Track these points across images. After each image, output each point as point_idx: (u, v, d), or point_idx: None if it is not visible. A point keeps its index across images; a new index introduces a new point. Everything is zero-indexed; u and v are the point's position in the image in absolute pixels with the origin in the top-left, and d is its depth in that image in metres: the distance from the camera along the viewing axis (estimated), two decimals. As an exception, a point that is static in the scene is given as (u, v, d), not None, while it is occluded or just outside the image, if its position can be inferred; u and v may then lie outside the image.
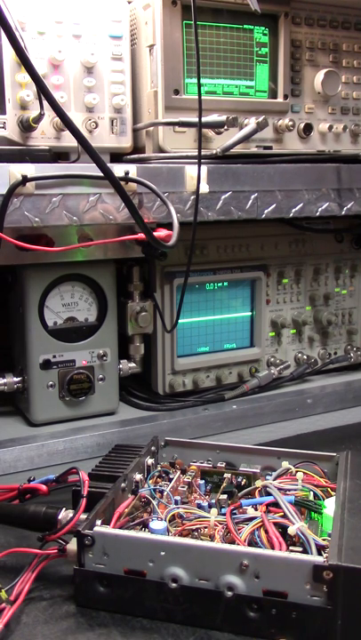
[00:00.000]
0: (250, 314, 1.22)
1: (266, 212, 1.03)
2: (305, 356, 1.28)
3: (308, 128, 1.10)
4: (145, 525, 0.72)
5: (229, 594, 0.63)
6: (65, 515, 0.72)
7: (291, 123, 1.07)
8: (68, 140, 0.93)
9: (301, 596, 0.61)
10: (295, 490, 0.77)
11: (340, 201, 1.09)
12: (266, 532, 0.67)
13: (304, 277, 1.27)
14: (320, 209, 1.08)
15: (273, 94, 1.08)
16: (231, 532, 0.68)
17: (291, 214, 1.06)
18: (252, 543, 0.67)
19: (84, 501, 0.71)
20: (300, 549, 0.66)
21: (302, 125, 1.10)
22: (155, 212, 0.95)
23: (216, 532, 0.70)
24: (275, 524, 0.68)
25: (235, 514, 0.72)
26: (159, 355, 1.14)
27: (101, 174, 0.85)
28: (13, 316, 1.08)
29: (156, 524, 0.70)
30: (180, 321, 1.09)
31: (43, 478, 0.83)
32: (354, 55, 1.14)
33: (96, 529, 0.67)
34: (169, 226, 0.94)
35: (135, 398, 1.16)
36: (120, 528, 0.70)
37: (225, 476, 0.83)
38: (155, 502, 0.75)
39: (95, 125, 0.97)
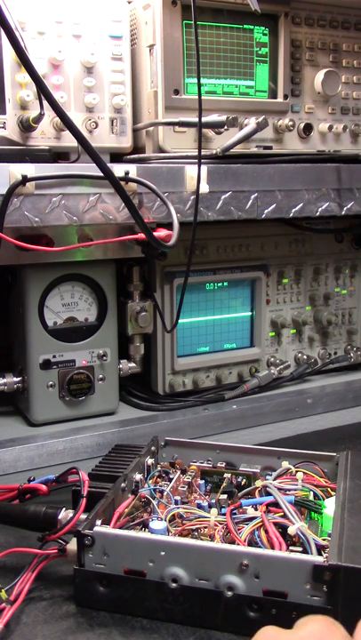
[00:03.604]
0: (250, 314, 1.22)
1: (266, 211, 1.03)
2: (305, 356, 1.28)
3: (308, 128, 1.10)
4: (145, 525, 0.72)
5: (229, 594, 0.63)
6: (65, 515, 0.72)
7: (291, 123, 1.07)
8: (68, 140, 0.93)
9: (301, 596, 0.61)
10: (295, 490, 0.77)
11: (340, 201, 1.09)
12: (266, 532, 0.67)
13: (304, 277, 1.27)
14: (320, 209, 1.08)
15: (273, 94, 1.08)
16: (231, 532, 0.68)
17: (291, 214, 1.06)
18: (252, 543, 0.67)
19: (83, 501, 0.71)
20: (300, 549, 0.66)
21: (302, 125, 1.10)
22: (155, 212, 0.95)
23: (216, 532, 0.70)
24: (275, 523, 0.68)
25: (235, 514, 0.72)
26: (159, 355, 1.14)
27: (101, 174, 0.85)
28: (13, 316, 1.08)
29: (156, 524, 0.70)
30: (180, 321, 1.09)
31: (43, 478, 0.83)
32: (354, 55, 1.14)
33: (96, 529, 0.67)
34: (169, 226, 0.94)
35: (135, 398, 1.16)
36: (120, 528, 0.70)
37: (225, 476, 0.83)
38: (155, 502, 0.75)
39: (95, 125, 0.97)
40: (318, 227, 1.25)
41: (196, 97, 0.90)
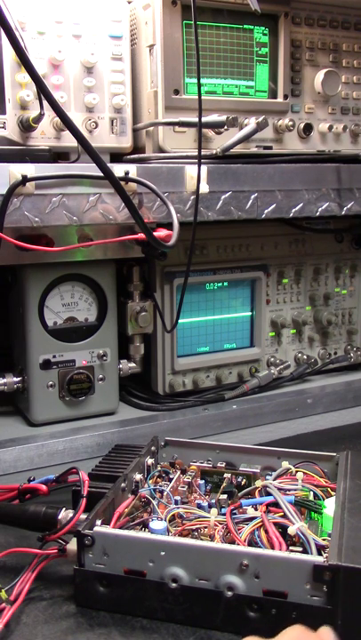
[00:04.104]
0: (250, 314, 1.22)
1: (266, 211, 1.03)
2: (305, 356, 1.28)
3: (308, 128, 1.10)
4: (145, 525, 0.72)
5: (229, 594, 0.63)
6: (65, 515, 0.72)
7: (291, 123, 1.07)
8: (68, 140, 0.93)
9: (301, 596, 0.61)
10: (295, 490, 0.77)
11: (340, 201, 1.09)
12: (266, 532, 0.67)
13: (304, 277, 1.27)
14: (320, 209, 1.08)
15: (273, 94, 1.08)
16: (231, 532, 0.68)
17: (291, 214, 1.06)
18: (252, 543, 0.67)
19: (83, 501, 0.71)
20: (300, 549, 0.66)
21: (302, 125, 1.10)
22: (155, 212, 0.95)
23: (216, 532, 0.70)
24: (275, 523, 0.68)
25: (235, 514, 0.72)
26: (159, 355, 1.14)
27: (101, 174, 0.85)
28: (13, 316, 1.08)
29: (156, 524, 0.70)
30: (180, 321, 1.09)
31: (43, 478, 0.83)
32: (354, 55, 1.14)
33: (96, 529, 0.67)
34: (169, 226, 0.94)
35: (135, 398, 1.16)
36: (120, 528, 0.70)
37: (225, 476, 0.83)
38: (155, 502, 0.75)
39: (95, 125, 0.97)
40: (318, 227, 1.25)
41: (196, 97, 0.90)
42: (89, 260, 1.02)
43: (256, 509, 0.73)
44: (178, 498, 0.78)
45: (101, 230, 0.98)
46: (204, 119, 0.95)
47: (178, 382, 1.15)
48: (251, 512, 0.72)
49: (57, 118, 0.91)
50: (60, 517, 0.72)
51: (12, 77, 0.90)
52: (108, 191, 0.90)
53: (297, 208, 1.06)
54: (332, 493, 0.77)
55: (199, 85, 0.89)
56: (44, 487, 0.81)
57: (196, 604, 0.64)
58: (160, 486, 0.80)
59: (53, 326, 1.03)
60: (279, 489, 0.75)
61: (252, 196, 1.02)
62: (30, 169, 0.85)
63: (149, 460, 0.85)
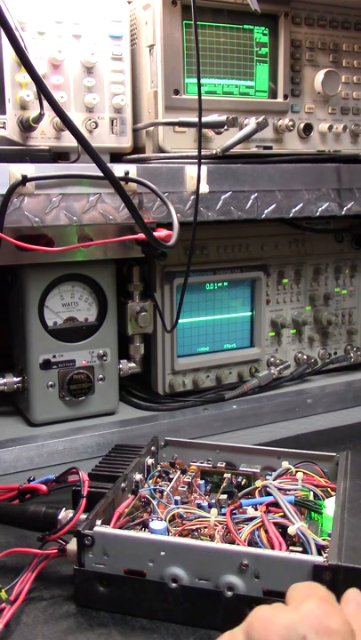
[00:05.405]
0: (250, 314, 1.22)
1: (266, 211, 1.03)
2: (305, 356, 1.28)
3: (308, 128, 1.10)
4: (145, 525, 0.72)
5: (229, 594, 0.63)
6: (65, 515, 0.72)
7: (291, 123, 1.07)
8: (68, 140, 0.93)
9: (301, 596, 0.61)
10: (295, 490, 0.77)
11: (340, 201, 1.09)
12: (266, 532, 0.67)
13: (304, 277, 1.26)
14: (320, 209, 1.08)
15: (273, 94, 1.08)
16: (231, 531, 0.68)
17: (291, 214, 1.06)
18: (252, 543, 0.67)
19: (83, 501, 0.71)
20: (300, 549, 0.66)
21: (302, 125, 1.10)
22: (155, 212, 0.95)
23: (216, 532, 0.70)
24: (275, 523, 0.68)
25: (235, 514, 0.72)
26: (159, 355, 1.14)
27: (101, 174, 0.85)
28: (13, 316, 1.08)
29: (156, 524, 0.70)
30: (180, 321, 1.09)
31: (43, 478, 0.83)
32: (354, 55, 1.14)
33: (96, 529, 0.67)
34: (169, 226, 0.94)
35: (135, 398, 1.16)
36: (120, 528, 0.70)
37: (225, 476, 0.83)
38: (155, 502, 0.75)
39: (95, 125, 0.97)
40: (318, 227, 1.25)
41: (196, 97, 0.90)
42: (89, 259, 1.02)
43: (256, 509, 0.73)
44: (178, 498, 0.78)
45: (101, 230, 0.98)
46: (204, 119, 0.95)
47: (178, 382, 1.15)
48: (251, 512, 0.72)
49: (57, 118, 0.91)
50: (60, 517, 0.72)
51: (12, 77, 0.90)
52: (108, 191, 0.90)
53: (297, 208, 1.06)
54: (332, 493, 0.77)
55: (199, 85, 0.89)
56: (44, 487, 0.81)
57: (196, 604, 0.64)
58: (160, 486, 0.80)
59: (53, 326, 1.03)
60: (279, 489, 0.75)
61: (252, 196, 1.02)
62: (30, 169, 0.85)
63: (149, 460, 0.85)
